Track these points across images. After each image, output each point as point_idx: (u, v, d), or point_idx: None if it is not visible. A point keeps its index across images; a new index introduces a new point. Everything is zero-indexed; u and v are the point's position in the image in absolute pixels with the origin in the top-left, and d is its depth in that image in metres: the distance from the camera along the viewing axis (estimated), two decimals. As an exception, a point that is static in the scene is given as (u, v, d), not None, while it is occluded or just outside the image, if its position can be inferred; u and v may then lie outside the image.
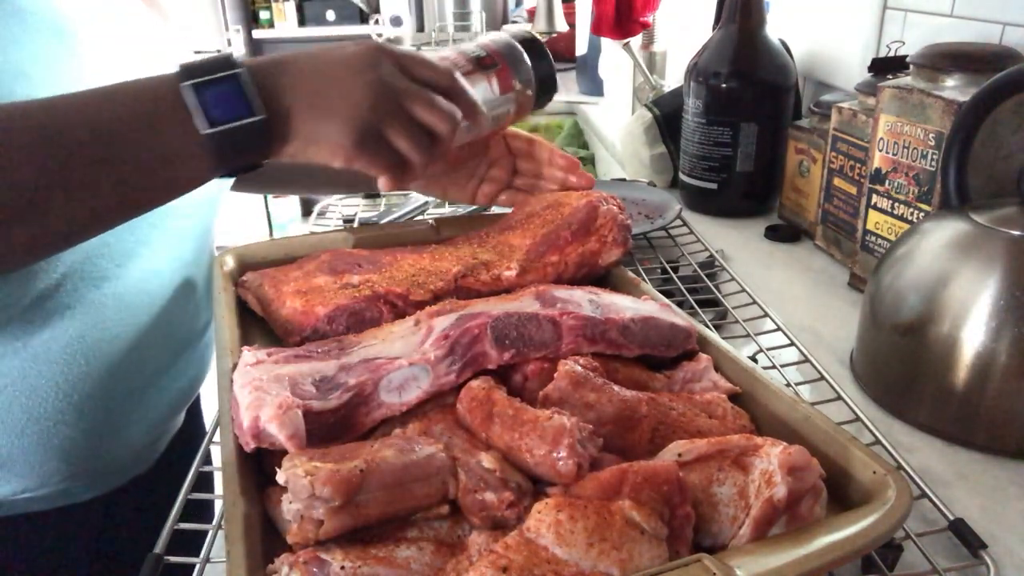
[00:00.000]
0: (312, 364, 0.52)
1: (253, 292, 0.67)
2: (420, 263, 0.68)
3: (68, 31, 0.59)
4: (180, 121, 0.51)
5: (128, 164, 0.51)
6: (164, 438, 0.78)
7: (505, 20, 3.79)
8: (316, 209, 1.11)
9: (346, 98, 0.54)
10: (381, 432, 0.50)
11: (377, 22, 3.82)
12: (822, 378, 0.65)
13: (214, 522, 0.52)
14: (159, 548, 0.48)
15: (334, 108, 0.54)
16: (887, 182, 0.81)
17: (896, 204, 0.80)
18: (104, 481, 0.70)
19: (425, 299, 0.63)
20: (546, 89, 0.73)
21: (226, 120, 0.51)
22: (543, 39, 1.99)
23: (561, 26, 1.73)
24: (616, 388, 0.51)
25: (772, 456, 0.43)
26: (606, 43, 1.81)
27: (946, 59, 0.74)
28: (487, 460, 0.45)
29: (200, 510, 0.53)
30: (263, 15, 4.04)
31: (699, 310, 0.78)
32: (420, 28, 3.86)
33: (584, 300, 0.59)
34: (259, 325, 0.66)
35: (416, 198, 1.10)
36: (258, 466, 0.48)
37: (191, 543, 0.50)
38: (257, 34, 4.03)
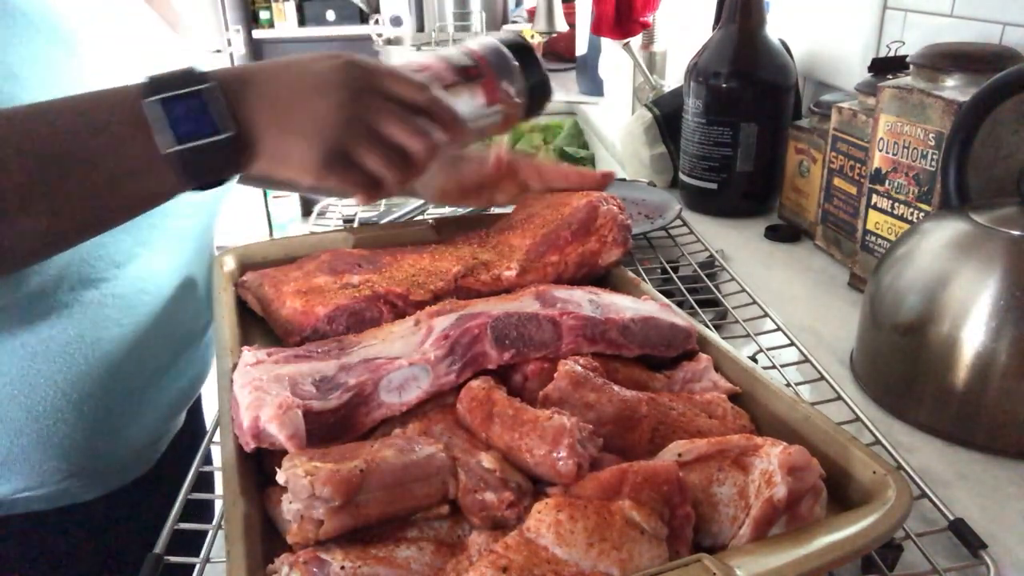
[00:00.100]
0: (312, 364, 0.52)
1: (253, 292, 0.67)
2: (420, 263, 0.68)
3: (64, 32, 0.59)
4: (145, 137, 0.49)
5: (92, 178, 0.49)
6: (165, 438, 0.78)
7: (505, 20, 3.79)
8: (316, 209, 1.11)
9: (315, 118, 0.52)
10: (381, 432, 0.50)
11: (377, 22, 3.82)
12: (822, 378, 0.65)
13: (214, 522, 0.52)
14: (159, 548, 0.48)
15: (303, 128, 0.52)
16: (887, 182, 0.81)
17: (896, 204, 0.80)
18: (104, 481, 0.70)
19: (425, 299, 0.63)
20: (538, 98, 0.69)
21: (192, 137, 0.50)
22: (543, 39, 1.98)
23: (561, 26, 1.73)
24: (616, 388, 0.51)
25: (772, 456, 0.43)
26: (606, 43, 1.81)
27: (946, 59, 0.74)
28: (487, 460, 0.45)
29: (200, 510, 0.53)
30: (263, 15, 4.04)
31: (699, 310, 0.78)
32: (420, 28, 3.85)
33: (584, 300, 0.59)
34: (259, 325, 0.66)
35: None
36: (258, 466, 0.48)
37: (191, 543, 0.50)
38: (257, 34, 4.03)
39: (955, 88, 0.73)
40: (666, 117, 1.26)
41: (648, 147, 1.28)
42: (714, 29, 1.12)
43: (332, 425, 0.49)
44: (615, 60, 1.73)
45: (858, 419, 0.59)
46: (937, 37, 0.87)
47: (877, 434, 0.57)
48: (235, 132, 0.51)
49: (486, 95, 0.65)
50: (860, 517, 0.41)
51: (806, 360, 0.68)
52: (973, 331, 0.58)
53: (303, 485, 0.40)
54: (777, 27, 1.13)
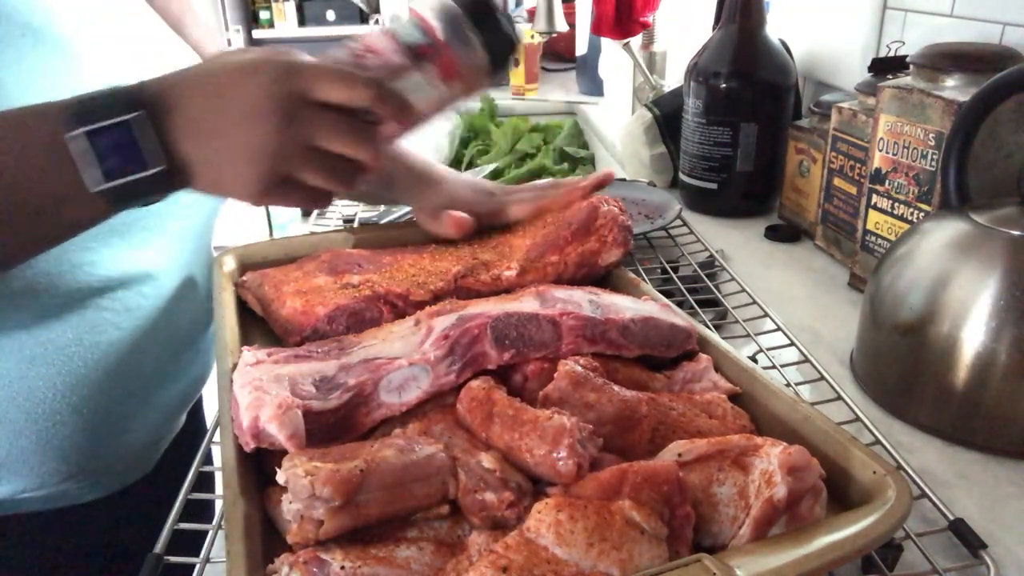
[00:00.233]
0: (312, 364, 0.52)
1: (253, 292, 0.67)
2: (420, 263, 0.68)
3: (55, 35, 0.58)
4: (71, 170, 0.47)
5: (14, 203, 0.47)
6: (165, 439, 0.77)
7: (505, 20, 3.78)
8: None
9: (248, 148, 0.49)
10: (381, 432, 0.50)
11: (377, 22, 3.82)
12: (822, 378, 0.65)
13: (214, 522, 0.52)
14: (159, 548, 0.48)
15: (237, 157, 0.49)
16: (887, 182, 0.80)
17: (896, 204, 0.80)
18: (105, 482, 0.70)
19: (425, 299, 0.63)
20: (501, 55, 0.60)
21: (120, 174, 0.47)
22: (543, 39, 1.97)
23: (561, 26, 1.73)
24: (616, 388, 0.51)
25: (772, 456, 0.43)
26: (606, 43, 1.81)
27: (946, 59, 0.74)
28: (487, 460, 0.45)
29: (200, 510, 0.53)
30: (263, 15, 4.04)
31: (699, 310, 0.78)
32: (420, 28, 3.85)
33: (584, 300, 0.59)
34: (259, 325, 0.66)
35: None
36: (258, 466, 0.48)
37: (191, 543, 0.50)
38: (257, 34, 4.03)
39: (955, 88, 0.73)
40: (666, 117, 1.26)
41: (648, 147, 1.28)
42: (714, 29, 1.12)
43: (332, 425, 0.49)
44: (615, 60, 1.73)
45: (858, 419, 0.59)
46: (937, 37, 0.87)
47: (877, 434, 0.57)
48: (165, 167, 0.48)
49: (442, 72, 0.58)
50: (860, 517, 0.41)
51: (806, 360, 0.68)
52: (973, 331, 0.58)
53: (303, 485, 0.40)
54: (777, 27, 1.13)
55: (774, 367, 0.68)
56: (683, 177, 1.16)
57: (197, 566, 0.48)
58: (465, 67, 0.58)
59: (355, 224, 1.04)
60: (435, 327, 0.54)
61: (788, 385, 0.64)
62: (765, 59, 1.06)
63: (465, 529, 0.44)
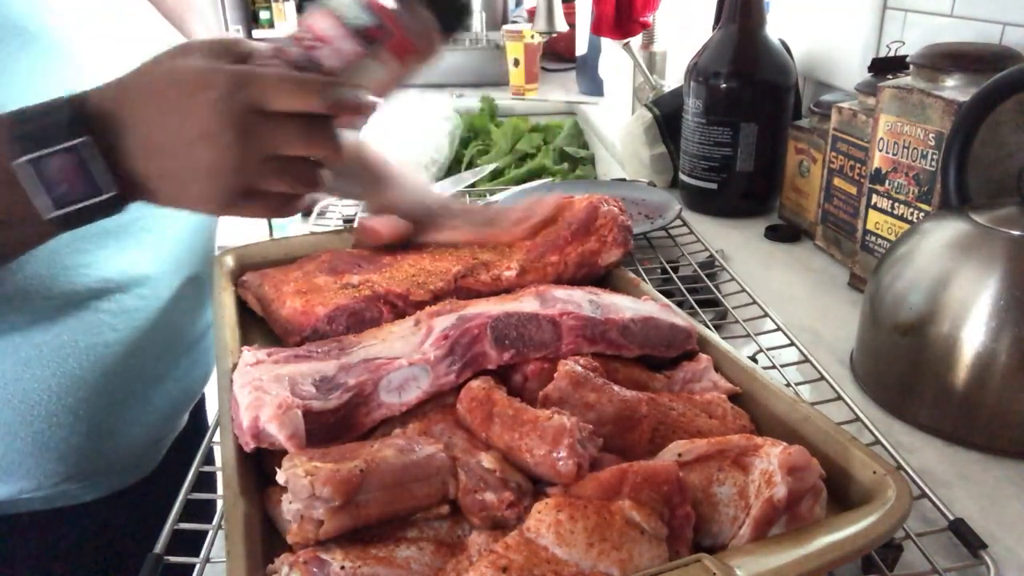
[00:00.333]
0: (312, 364, 0.52)
1: (253, 292, 0.67)
2: (420, 263, 0.68)
3: (51, 37, 0.58)
4: (19, 193, 0.45)
5: None
6: (167, 439, 0.77)
7: (505, 20, 3.78)
8: (316, 209, 1.11)
9: (203, 166, 0.47)
10: (381, 432, 0.50)
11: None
12: (822, 378, 0.65)
13: (214, 522, 0.52)
14: (159, 548, 0.48)
15: (194, 173, 0.48)
16: (887, 182, 0.80)
17: (896, 204, 0.80)
18: (104, 482, 0.70)
19: (425, 299, 0.63)
20: (453, 23, 0.59)
21: (71, 201, 0.46)
22: (543, 39, 1.98)
23: (561, 26, 1.73)
24: (616, 388, 0.51)
25: (772, 456, 0.43)
26: (606, 43, 1.81)
27: (946, 59, 0.74)
28: (487, 460, 0.45)
29: (200, 510, 0.53)
30: (263, 15, 4.04)
31: (699, 310, 0.78)
32: (420, 28, 3.85)
33: (584, 300, 0.59)
34: (259, 325, 0.66)
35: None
36: (258, 466, 0.48)
37: (191, 543, 0.50)
38: (257, 34, 4.03)
39: (955, 88, 0.73)
40: (666, 117, 1.26)
41: (648, 147, 1.28)
42: (714, 29, 1.12)
43: (332, 425, 0.49)
44: (615, 60, 1.73)
45: (858, 419, 0.59)
46: (937, 37, 0.87)
47: (877, 434, 0.57)
48: (117, 192, 0.47)
49: (395, 51, 0.56)
50: (860, 517, 0.41)
51: (806, 360, 0.68)
52: (973, 331, 0.58)
53: (303, 485, 0.40)
54: (777, 27, 1.13)
55: (774, 367, 0.68)
56: (683, 177, 1.16)
57: (197, 566, 0.48)
58: (417, 40, 0.56)
59: (355, 224, 1.04)
60: (435, 327, 0.54)
61: (788, 385, 0.64)
62: (765, 59, 1.06)
63: (465, 529, 0.44)
